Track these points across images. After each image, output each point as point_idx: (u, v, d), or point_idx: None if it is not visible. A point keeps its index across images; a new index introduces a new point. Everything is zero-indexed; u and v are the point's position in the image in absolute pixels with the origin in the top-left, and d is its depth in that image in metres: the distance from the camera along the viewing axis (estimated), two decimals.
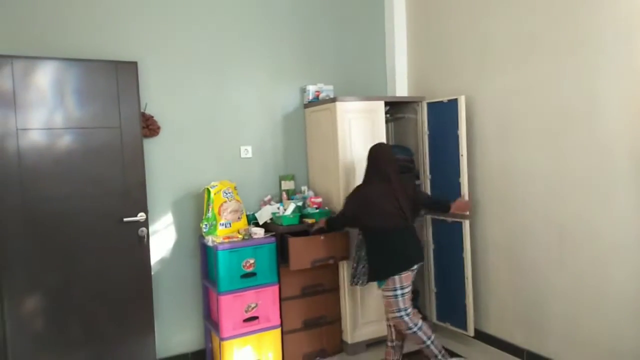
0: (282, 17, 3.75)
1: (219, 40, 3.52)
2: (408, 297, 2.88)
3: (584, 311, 2.82)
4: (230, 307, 3.07)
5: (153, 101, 3.26)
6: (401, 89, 4.10)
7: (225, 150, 3.54)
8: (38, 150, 2.79)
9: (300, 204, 3.46)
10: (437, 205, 3.23)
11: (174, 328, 3.37)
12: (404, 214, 2.89)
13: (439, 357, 2.89)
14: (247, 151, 3.61)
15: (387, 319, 3.03)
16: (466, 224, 3.35)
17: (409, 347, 3.49)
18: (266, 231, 3.28)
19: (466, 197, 3.30)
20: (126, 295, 3.02)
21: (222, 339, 3.07)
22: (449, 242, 3.51)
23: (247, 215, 3.42)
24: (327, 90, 3.76)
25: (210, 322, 3.33)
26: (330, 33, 3.96)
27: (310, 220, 3.29)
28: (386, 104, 3.63)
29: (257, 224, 3.44)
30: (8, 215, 2.72)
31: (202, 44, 3.46)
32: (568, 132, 2.84)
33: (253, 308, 3.15)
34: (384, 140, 3.50)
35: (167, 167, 3.34)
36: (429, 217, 3.69)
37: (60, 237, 2.85)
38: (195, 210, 3.43)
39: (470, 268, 3.38)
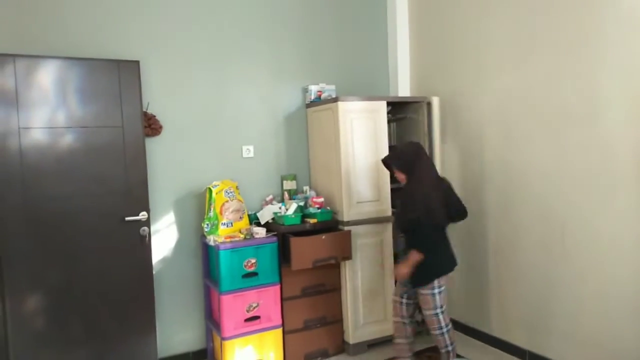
0: (284, 17, 3.75)
1: (221, 39, 3.52)
2: (445, 295, 2.80)
3: (585, 310, 2.81)
4: (232, 307, 3.07)
5: (155, 100, 3.26)
6: (403, 89, 4.09)
7: (227, 149, 3.54)
8: (40, 149, 2.79)
9: (302, 203, 3.46)
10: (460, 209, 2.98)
11: (176, 327, 3.37)
12: (447, 210, 2.76)
13: None
14: (249, 151, 3.61)
15: (397, 317, 2.95)
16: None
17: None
18: (268, 231, 3.28)
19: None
20: (128, 294, 3.01)
21: (223, 339, 3.06)
22: None
23: (249, 215, 3.42)
24: (329, 90, 3.75)
25: (212, 321, 3.33)
26: (333, 33, 3.95)
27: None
28: (388, 104, 3.62)
29: (258, 224, 3.43)
30: (10, 214, 2.72)
31: (204, 44, 3.46)
32: (569, 130, 2.84)
33: (254, 308, 3.14)
34: (386, 141, 3.50)
35: (169, 167, 3.34)
36: None
37: (62, 236, 2.85)
38: (197, 209, 3.43)
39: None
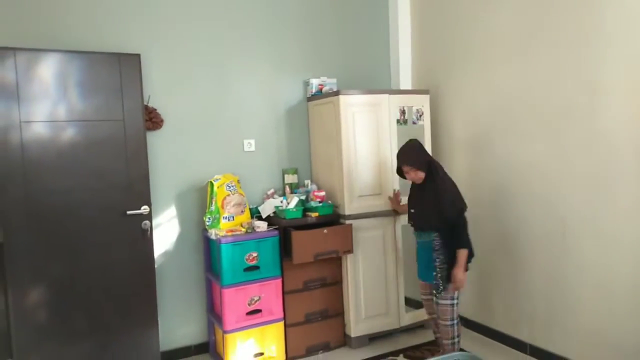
0: (286, 10, 3.73)
1: (222, 33, 3.50)
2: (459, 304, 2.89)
3: (587, 305, 2.81)
4: (234, 300, 3.08)
5: (156, 94, 3.26)
6: (405, 82, 4.08)
7: (228, 143, 3.54)
8: (41, 142, 2.78)
9: (303, 197, 3.46)
10: None
11: (178, 321, 3.38)
12: None
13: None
14: (250, 144, 3.61)
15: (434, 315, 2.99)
16: None
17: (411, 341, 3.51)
18: (269, 225, 3.28)
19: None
20: (130, 287, 3.02)
21: (225, 332, 3.07)
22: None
23: (250, 209, 3.42)
24: (330, 83, 3.74)
25: (214, 314, 3.34)
26: (334, 26, 3.93)
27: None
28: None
29: (260, 218, 3.43)
30: (12, 207, 2.72)
31: (205, 37, 3.45)
32: (570, 127, 2.83)
33: (256, 301, 3.15)
34: (387, 135, 3.49)
35: (170, 160, 3.34)
36: None
37: (64, 230, 2.85)
38: (199, 203, 3.43)
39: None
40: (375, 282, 3.49)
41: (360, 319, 3.45)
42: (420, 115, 3.67)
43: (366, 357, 3.29)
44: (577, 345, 2.88)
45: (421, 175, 2.82)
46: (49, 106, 2.80)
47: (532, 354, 3.16)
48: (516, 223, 3.22)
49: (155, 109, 3.25)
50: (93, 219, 2.92)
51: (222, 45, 3.51)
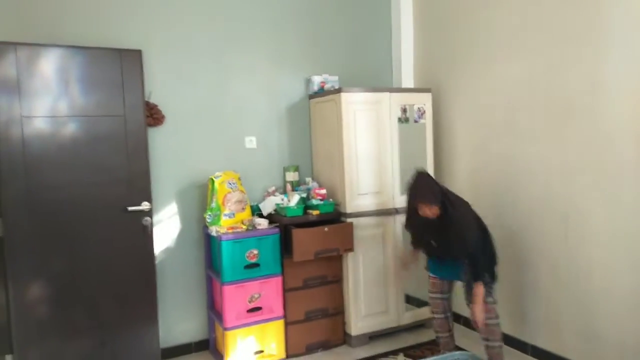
0: (287, 7, 3.72)
1: (223, 29, 3.49)
2: None
3: (589, 303, 2.80)
4: (234, 298, 3.07)
5: (157, 90, 3.25)
6: (407, 80, 4.07)
7: (229, 140, 3.53)
8: (42, 137, 2.78)
9: (304, 195, 3.45)
10: None
11: (178, 317, 3.38)
12: None
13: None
14: (251, 142, 3.60)
15: (440, 315, 2.97)
16: None
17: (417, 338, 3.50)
18: (270, 222, 3.27)
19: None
20: (130, 284, 3.02)
21: (225, 329, 3.07)
22: None
23: (251, 206, 3.41)
24: (332, 81, 3.73)
25: (214, 312, 3.33)
26: (336, 23, 3.92)
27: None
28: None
29: (261, 215, 3.43)
30: (13, 202, 2.72)
31: (207, 34, 3.44)
32: (574, 124, 2.81)
33: (256, 298, 3.15)
34: (389, 133, 3.48)
35: (171, 157, 3.33)
36: None
37: (65, 225, 2.85)
38: (199, 200, 3.42)
39: None
40: (375, 281, 3.48)
41: (360, 317, 3.45)
42: (422, 114, 3.66)
43: (366, 355, 3.29)
44: (578, 346, 2.87)
45: (436, 210, 2.66)
46: (50, 101, 2.79)
47: (533, 355, 3.15)
48: (518, 222, 3.21)
49: (157, 105, 3.24)
50: (94, 215, 2.91)
51: (224, 42, 3.50)
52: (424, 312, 3.68)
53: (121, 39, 3.12)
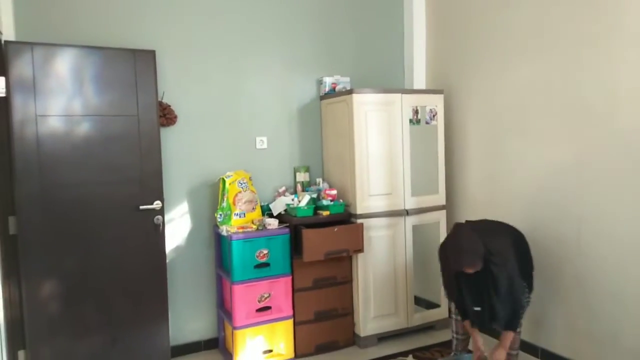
0: (300, 8, 3.73)
1: (236, 30, 3.51)
2: None
3: (602, 308, 2.77)
4: (244, 297, 3.08)
5: (170, 90, 3.27)
6: (419, 82, 4.05)
7: (241, 140, 3.55)
8: (57, 136, 2.81)
9: (314, 195, 3.46)
10: None
11: (188, 316, 3.40)
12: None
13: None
14: (262, 142, 3.61)
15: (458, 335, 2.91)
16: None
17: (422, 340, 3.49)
18: (280, 222, 3.28)
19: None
20: (141, 282, 3.04)
21: (234, 328, 3.08)
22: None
23: (262, 206, 3.42)
24: (343, 82, 3.73)
25: (224, 310, 3.35)
26: (348, 25, 3.92)
27: None
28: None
29: (271, 215, 3.44)
30: (27, 200, 2.76)
31: (219, 35, 3.45)
32: (588, 126, 2.79)
33: (266, 298, 3.16)
34: (400, 134, 3.48)
35: (183, 156, 3.36)
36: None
37: (78, 223, 2.88)
38: (210, 199, 3.44)
39: None
40: (385, 282, 3.48)
41: (369, 318, 3.45)
42: (434, 116, 3.65)
43: (375, 356, 3.28)
44: (590, 350, 2.84)
45: (479, 266, 2.47)
46: (64, 101, 2.82)
47: (543, 358, 3.12)
48: (530, 225, 3.18)
49: (169, 105, 3.26)
50: (106, 213, 2.94)
51: (237, 42, 3.51)
52: (433, 314, 3.67)
53: (135, 40, 3.15)
